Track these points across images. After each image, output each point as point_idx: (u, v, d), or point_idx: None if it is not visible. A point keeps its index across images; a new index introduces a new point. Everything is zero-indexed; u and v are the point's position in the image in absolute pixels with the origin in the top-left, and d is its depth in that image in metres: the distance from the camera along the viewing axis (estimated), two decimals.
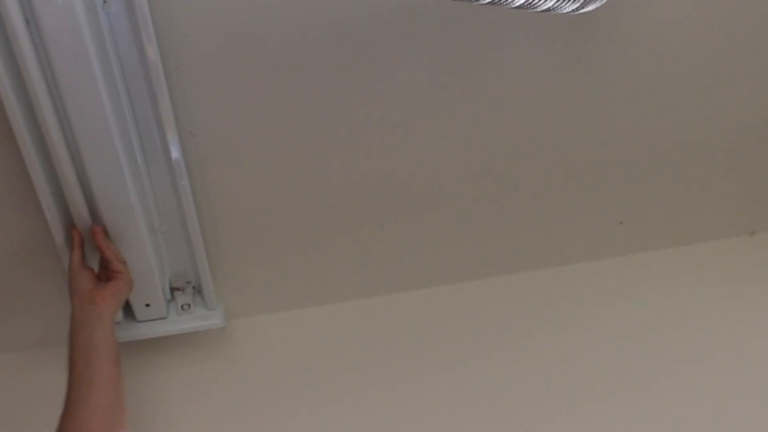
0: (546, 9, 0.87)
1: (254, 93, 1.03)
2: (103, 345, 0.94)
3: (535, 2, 0.85)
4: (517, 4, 0.85)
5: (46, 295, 1.18)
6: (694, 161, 1.33)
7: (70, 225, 1.03)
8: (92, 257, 1.06)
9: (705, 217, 1.44)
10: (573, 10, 0.90)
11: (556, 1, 0.87)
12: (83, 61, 0.84)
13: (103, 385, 0.91)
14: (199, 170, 1.08)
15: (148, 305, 1.14)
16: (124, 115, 0.95)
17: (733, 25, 1.15)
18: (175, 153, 1.00)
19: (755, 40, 1.18)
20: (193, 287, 1.20)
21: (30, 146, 0.92)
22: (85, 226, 1.02)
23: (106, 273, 1.02)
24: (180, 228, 1.11)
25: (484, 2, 0.82)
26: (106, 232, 1.02)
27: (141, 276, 1.08)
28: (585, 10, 0.91)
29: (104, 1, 0.87)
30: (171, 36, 0.93)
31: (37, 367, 1.22)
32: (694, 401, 1.18)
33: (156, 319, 1.17)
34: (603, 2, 0.93)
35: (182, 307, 1.19)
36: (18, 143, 0.91)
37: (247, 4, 0.94)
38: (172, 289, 1.19)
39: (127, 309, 1.16)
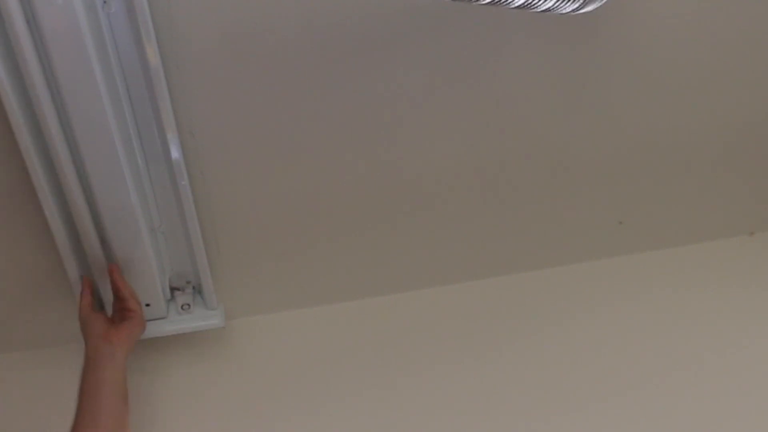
0: (546, 9, 0.87)
1: (254, 93, 1.03)
2: (111, 383, 0.95)
3: (535, 2, 0.85)
4: (517, 4, 0.85)
5: (46, 296, 1.18)
6: (694, 161, 1.33)
7: (72, 226, 1.03)
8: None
9: (705, 217, 1.44)
10: (573, 10, 0.90)
11: (556, 1, 0.87)
12: (83, 61, 0.84)
13: (108, 423, 0.92)
14: (199, 170, 1.08)
15: (148, 305, 1.14)
16: (124, 115, 0.95)
17: (734, 24, 1.15)
18: (175, 153, 1.00)
19: (755, 39, 1.18)
20: (193, 287, 1.20)
21: (30, 146, 0.92)
22: (84, 228, 1.02)
23: (120, 313, 1.05)
24: (180, 228, 1.11)
25: (484, 2, 0.82)
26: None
27: (141, 276, 1.08)
28: (585, 10, 0.91)
29: (104, 1, 0.87)
30: (171, 36, 0.93)
31: (37, 367, 1.22)
32: (694, 401, 1.18)
33: (156, 319, 1.17)
34: (603, 2, 0.93)
35: (182, 307, 1.19)
36: (18, 143, 0.91)
37: (247, 4, 0.94)
38: (172, 289, 1.19)
39: None
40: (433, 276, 1.36)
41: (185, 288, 1.19)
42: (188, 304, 1.19)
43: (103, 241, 1.05)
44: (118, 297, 1.06)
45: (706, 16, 1.12)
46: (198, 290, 1.21)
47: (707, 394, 1.19)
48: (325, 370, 1.24)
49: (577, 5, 0.89)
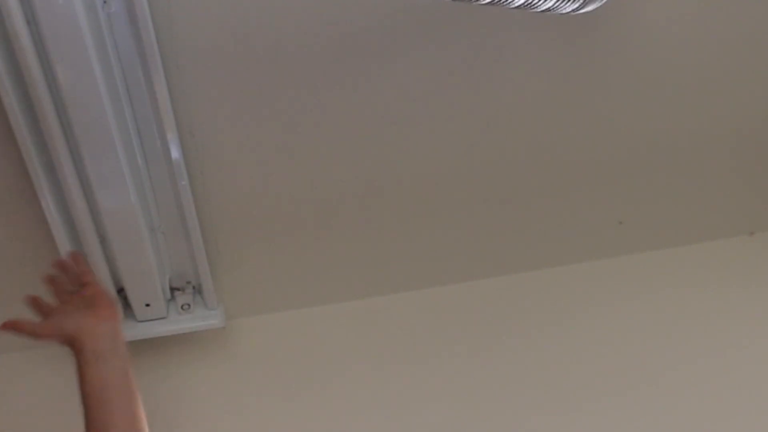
0: (546, 9, 0.87)
1: (254, 93, 1.03)
2: (119, 378, 0.83)
3: (535, 2, 0.85)
4: (517, 4, 0.85)
5: (45, 295, 1.17)
6: (694, 161, 1.33)
7: (72, 226, 1.03)
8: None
9: (705, 217, 1.44)
10: (573, 10, 0.90)
11: (556, 1, 0.87)
12: (83, 61, 0.84)
13: (122, 429, 0.81)
14: (199, 170, 1.08)
15: (148, 305, 1.14)
16: (124, 115, 0.95)
17: (733, 25, 1.15)
18: (175, 153, 1.00)
19: (754, 40, 1.18)
20: (193, 287, 1.20)
21: (30, 146, 0.92)
22: (84, 228, 1.02)
23: (85, 299, 0.93)
24: (180, 228, 1.11)
25: (484, 2, 0.82)
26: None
27: (141, 276, 1.08)
28: (585, 10, 0.91)
29: (104, 1, 0.87)
30: (171, 36, 0.93)
31: (37, 367, 1.22)
32: (694, 400, 1.18)
33: (156, 319, 1.17)
34: (603, 2, 0.93)
35: (182, 307, 1.19)
36: (18, 143, 0.91)
37: (247, 4, 0.94)
38: (172, 289, 1.19)
39: (127, 309, 1.16)
40: (433, 276, 1.36)
41: (185, 288, 1.19)
42: (188, 304, 1.19)
43: (103, 241, 1.05)
44: (89, 283, 0.95)
45: (705, 16, 1.12)
46: (198, 290, 1.21)
47: (707, 393, 1.19)
48: (325, 370, 1.24)
49: (577, 5, 0.89)
